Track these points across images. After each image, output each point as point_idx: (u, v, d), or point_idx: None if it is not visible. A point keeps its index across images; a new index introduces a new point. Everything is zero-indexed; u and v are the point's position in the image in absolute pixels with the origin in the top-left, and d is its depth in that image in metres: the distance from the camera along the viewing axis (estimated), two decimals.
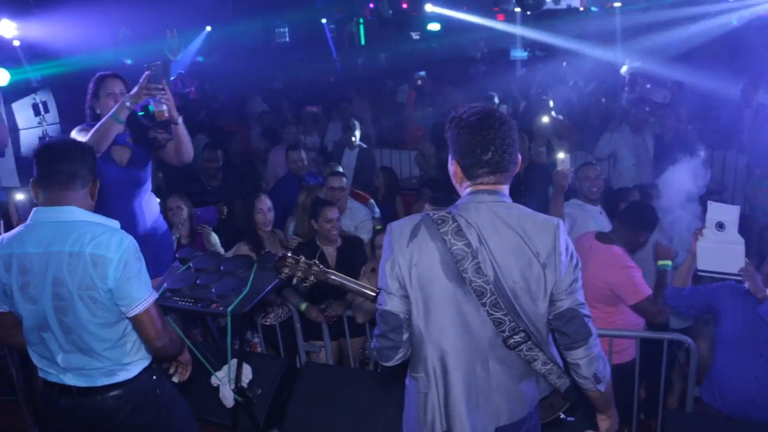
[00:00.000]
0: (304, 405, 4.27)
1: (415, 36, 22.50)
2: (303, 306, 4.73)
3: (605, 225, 4.85)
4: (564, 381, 2.41)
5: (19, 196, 3.97)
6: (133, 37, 10.09)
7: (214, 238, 5.32)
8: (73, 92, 9.92)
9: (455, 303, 2.26)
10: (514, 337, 2.27)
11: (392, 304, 2.31)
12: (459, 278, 2.23)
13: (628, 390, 4.19)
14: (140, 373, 2.83)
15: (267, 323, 5.01)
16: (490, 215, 2.26)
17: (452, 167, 2.39)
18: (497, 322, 2.25)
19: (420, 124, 9.75)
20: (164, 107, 3.68)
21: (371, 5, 21.91)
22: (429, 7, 18.39)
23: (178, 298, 3.41)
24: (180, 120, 3.83)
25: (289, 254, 2.80)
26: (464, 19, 19.84)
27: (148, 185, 4.03)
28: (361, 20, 22.34)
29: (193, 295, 3.43)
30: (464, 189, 2.38)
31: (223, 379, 3.54)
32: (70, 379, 2.77)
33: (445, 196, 4.89)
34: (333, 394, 4.25)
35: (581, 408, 2.68)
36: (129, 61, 10.57)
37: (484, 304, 2.23)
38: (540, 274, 2.24)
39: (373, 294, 2.70)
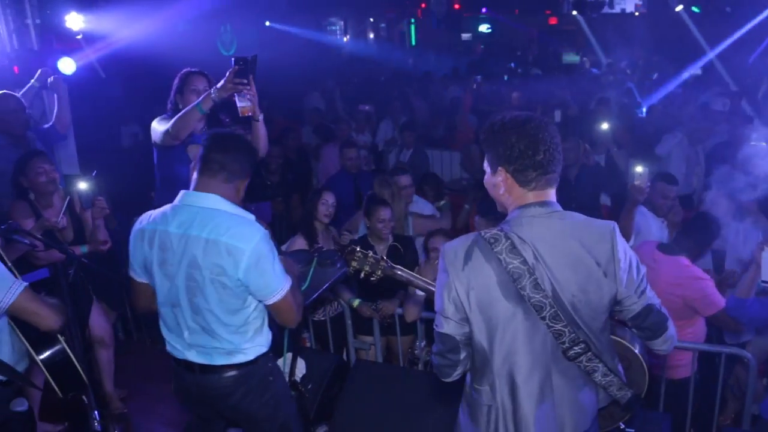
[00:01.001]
0: (353, 402, 4.27)
1: (465, 37, 22.45)
2: (356, 302, 4.75)
3: (665, 238, 4.75)
4: (625, 393, 2.36)
5: (82, 185, 4.04)
6: (190, 31, 10.25)
7: None
8: (132, 83, 10.20)
9: (517, 322, 2.23)
10: (574, 348, 2.24)
11: (448, 327, 2.29)
12: (518, 296, 2.20)
13: (681, 407, 4.11)
14: (257, 358, 2.92)
15: (317, 318, 5.05)
16: (543, 229, 2.22)
17: (497, 177, 2.29)
18: (557, 334, 2.22)
19: (473, 127, 9.72)
20: (248, 103, 3.73)
21: (423, 5, 21.95)
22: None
23: None
24: (261, 117, 3.88)
25: (358, 248, 2.83)
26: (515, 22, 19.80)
27: None
28: (413, 20, 22.38)
29: None
30: (511, 202, 2.31)
31: None
32: (193, 356, 2.89)
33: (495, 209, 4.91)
34: (383, 392, 4.25)
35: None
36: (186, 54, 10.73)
37: (543, 318, 2.20)
38: (601, 284, 2.21)
39: None
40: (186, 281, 2.76)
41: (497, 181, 2.29)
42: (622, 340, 2.71)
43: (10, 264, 2.88)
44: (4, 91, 5.01)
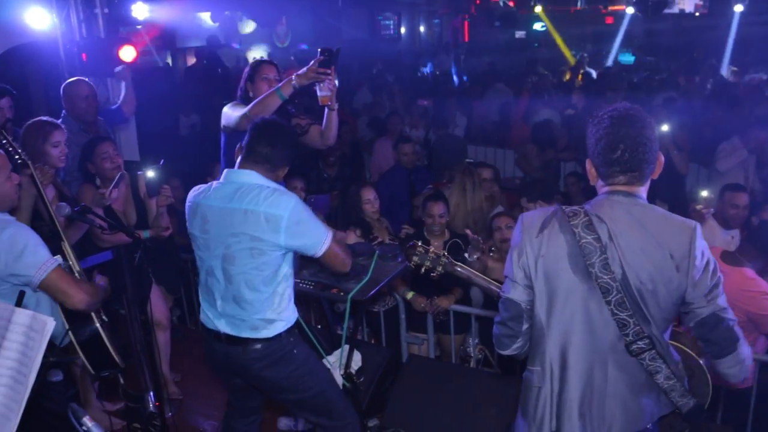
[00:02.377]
0: (406, 397, 4.28)
1: (519, 35, 22.22)
2: (409, 295, 4.75)
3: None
4: (687, 401, 2.31)
5: (150, 174, 4.13)
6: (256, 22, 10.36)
7: None
8: (191, 73, 10.36)
9: (580, 298, 2.23)
10: (638, 342, 2.20)
11: (515, 292, 2.32)
12: (585, 272, 2.19)
13: (741, 419, 4.01)
14: (281, 333, 3.04)
15: (371, 310, 5.06)
16: (623, 213, 2.21)
17: (587, 166, 2.37)
18: (621, 324, 2.19)
19: (529, 125, 9.60)
20: (328, 92, 3.83)
21: (477, 2, 21.81)
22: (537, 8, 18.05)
23: (298, 280, 3.48)
24: (336, 106, 3.98)
25: (420, 243, 2.84)
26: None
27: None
28: (466, 16, 22.24)
29: (312, 279, 3.52)
30: (600, 189, 2.34)
31: (333, 364, 3.60)
32: (223, 326, 3.07)
33: (542, 186, 4.84)
34: (436, 388, 4.25)
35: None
36: (237, 46, 10.90)
37: (608, 302, 2.18)
38: (672, 278, 2.16)
39: (499, 289, 2.71)
40: (223, 250, 2.95)
41: (589, 171, 2.36)
42: (686, 348, 2.65)
43: (69, 244, 3.07)
44: (77, 77, 5.14)
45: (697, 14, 20.17)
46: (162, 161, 4.22)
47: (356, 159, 8.23)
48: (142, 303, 3.97)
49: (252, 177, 2.97)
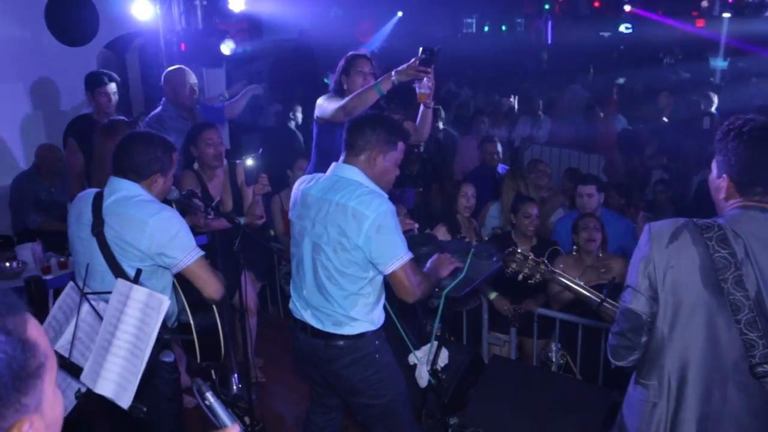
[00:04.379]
0: (487, 396, 4.26)
1: (604, 35, 21.76)
2: (493, 295, 4.74)
3: None
4: None
5: (249, 162, 4.23)
6: (343, 17, 10.47)
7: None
8: (278, 64, 10.56)
9: (707, 313, 2.14)
10: (764, 365, 2.09)
11: (638, 303, 2.24)
12: (716, 288, 2.11)
13: None
14: (364, 333, 3.04)
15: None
16: (762, 230, 2.13)
17: (720, 181, 2.25)
18: (749, 345, 2.09)
19: (616, 131, 9.41)
20: (427, 90, 3.91)
21: (560, 0, 21.48)
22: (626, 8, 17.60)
23: None
24: (432, 104, 4.05)
25: (519, 250, 2.83)
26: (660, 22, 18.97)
27: None
28: (550, 17, 21.94)
29: None
30: (730, 205, 2.24)
31: (421, 359, 3.62)
32: (309, 317, 3.11)
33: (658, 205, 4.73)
34: (518, 390, 4.21)
35: None
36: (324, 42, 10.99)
37: (738, 321, 2.08)
38: None
39: (598, 300, 2.69)
40: (313, 239, 3.00)
41: (720, 185, 2.26)
42: None
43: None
44: (178, 65, 5.32)
45: None
46: (260, 150, 4.33)
47: (439, 157, 8.23)
48: (233, 287, 4.09)
49: (352, 173, 2.99)
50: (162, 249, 2.85)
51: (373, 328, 3.06)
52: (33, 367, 0.99)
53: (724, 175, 2.23)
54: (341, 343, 3.03)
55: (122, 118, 5.67)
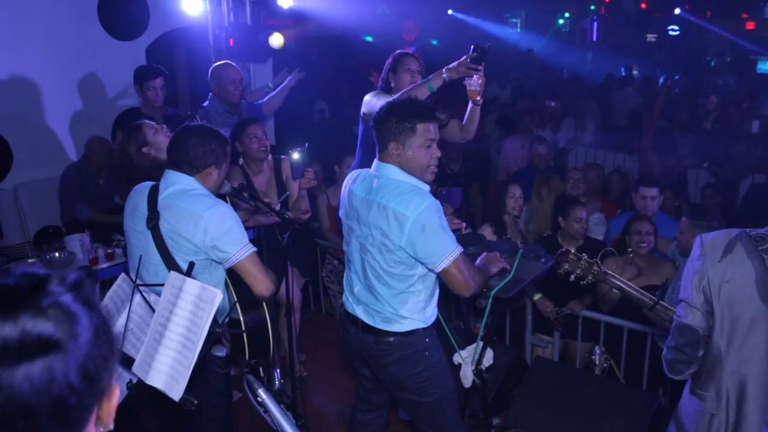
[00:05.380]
0: (529, 398, 4.22)
1: (650, 38, 21.43)
2: (537, 296, 4.69)
3: None
4: None
5: (296, 156, 4.24)
6: (390, 15, 10.46)
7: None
8: (322, 61, 10.60)
9: (765, 326, 2.12)
10: None
11: (693, 318, 2.22)
12: None
13: None
14: (414, 330, 3.02)
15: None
16: None
17: None
18: None
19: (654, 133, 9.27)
20: (477, 88, 3.92)
21: (607, 1, 21.19)
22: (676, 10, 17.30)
23: None
24: (481, 102, 4.05)
25: (573, 251, 2.79)
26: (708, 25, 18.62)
27: None
28: (596, 17, 21.67)
29: None
30: None
31: (466, 359, 3.59)
32: (360, 313, 3.12)
33: (705, 210, 4.64)
34: (561, 393, 4.16)
35: None
36: (369, 39, 10.99)
37: None
38: None
39: (651, 302, 2.66)
40: (360, 240, 3.00)
41: None
42: None
43: None
44: (225, 60, 5.36)
45: None
46: (307, 144, 4.34)
47: (483, 156, 8.18)
48: (279, 283, 4.10)
49: (389, 170, 2.94)
50: (215, 243, 2.86)
51: (423, 325, 3.03)
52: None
53: None
54: (391, 339, 3.01)
55: (176, 111, 5.76)
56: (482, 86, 3.95)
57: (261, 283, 2.95)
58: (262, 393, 1.79)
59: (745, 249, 2.14)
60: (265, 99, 5.79)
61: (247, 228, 4.17)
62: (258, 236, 4.43)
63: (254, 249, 2.96)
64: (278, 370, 4.68)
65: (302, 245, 4.99)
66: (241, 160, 4.55)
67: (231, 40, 6.39)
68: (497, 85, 11.49)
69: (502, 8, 18.78)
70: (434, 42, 14.88)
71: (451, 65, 3.83)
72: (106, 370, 1.02)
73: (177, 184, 2.95)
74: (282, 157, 4.65)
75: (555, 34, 20.34)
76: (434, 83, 3.81)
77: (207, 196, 2.95)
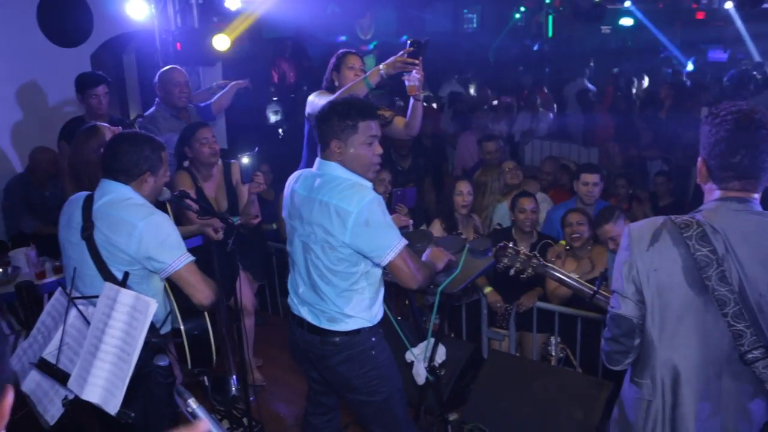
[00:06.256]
0: (486, 392, 4.24)
1: (605, 30, 21.66)
2: (487, 289, 4.72)
3: None
4: None
5: (245, 160, 4.18)
6: (340, 15, 10.41)
7: None
8: (277, 61, 10.51)
9: (694, 312, 2.15)
10: (753, 352, 2.10)
11: (626, 308, 2.23)
12: (701, 286, 2.11)
13: None
14: (360, 329, 3.00)
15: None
16: (738, 223, 2.13)
17: (699, 164, 2.27)
18: (737, 335, 2.11)
19: (612, 123, 9.38)
20: (416, 83, 3.90)
21: None
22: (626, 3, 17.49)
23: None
24: (422, 97, 4.03)
25: (510, 245, 2.80)
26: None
27: None
28: (551, 11, 21.81)
29: None
30: (709, 191, 2.25)
31: (418, 356, 3.58)
32: (305, 314, 3.09)
33: (612, 209, 4.70)
34: (517, 385, 4.19)
35: None
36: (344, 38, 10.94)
37: (725, 315, 2.09)
38: None
39: (591, 292, 2.69)
40: (303, 238, 2.98)
41: (699, 168, 2.27)
42: None
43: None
44: (172, 65, 5.29)
45: None
46: (256, 148, 4.29)
47: (438, 152, 8.18)
48: (229, 288, 4.05)
49: (333, 169, 2.92)
50: (150, 253, 2.81)
51: (369, 324, 3.02)
52: None
53: (701, 158, 2.25)
54: (337, 339, 2.99)
55: (121, 118, 5.66)
56: (422, 81, 3.93)
57: (200, 292, 2.91)
58: (191, 403, 1.75)
59: (671, 236, 2.16)
60: (213, 99, 5.72)
61: (194, 235, 4.13)
62: (207, 242, 4.37)
63: (192, 258, 2.91)
64: (234, 377, 4.64)
65: (254, 249, 4.94)
66: (186, 163, 4.45)
67: (178, 44, 6.31)
68: (456, 81, 11.53)
69: (459, 3, 18.83)
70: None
71: (388, 60, 3.82)
72: None
73: (112, 193, 2.89)
74: (232, 161, 4.58)
75: (511, 29, 20.44)
76: (372, 79, 3.81)
77: (142, 206, 2.89)
